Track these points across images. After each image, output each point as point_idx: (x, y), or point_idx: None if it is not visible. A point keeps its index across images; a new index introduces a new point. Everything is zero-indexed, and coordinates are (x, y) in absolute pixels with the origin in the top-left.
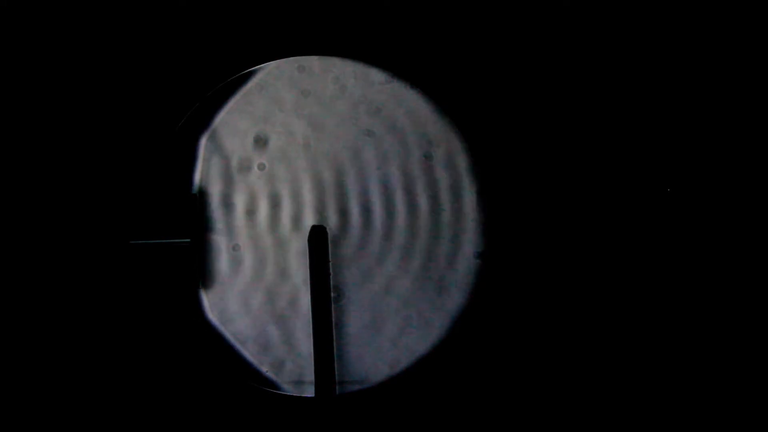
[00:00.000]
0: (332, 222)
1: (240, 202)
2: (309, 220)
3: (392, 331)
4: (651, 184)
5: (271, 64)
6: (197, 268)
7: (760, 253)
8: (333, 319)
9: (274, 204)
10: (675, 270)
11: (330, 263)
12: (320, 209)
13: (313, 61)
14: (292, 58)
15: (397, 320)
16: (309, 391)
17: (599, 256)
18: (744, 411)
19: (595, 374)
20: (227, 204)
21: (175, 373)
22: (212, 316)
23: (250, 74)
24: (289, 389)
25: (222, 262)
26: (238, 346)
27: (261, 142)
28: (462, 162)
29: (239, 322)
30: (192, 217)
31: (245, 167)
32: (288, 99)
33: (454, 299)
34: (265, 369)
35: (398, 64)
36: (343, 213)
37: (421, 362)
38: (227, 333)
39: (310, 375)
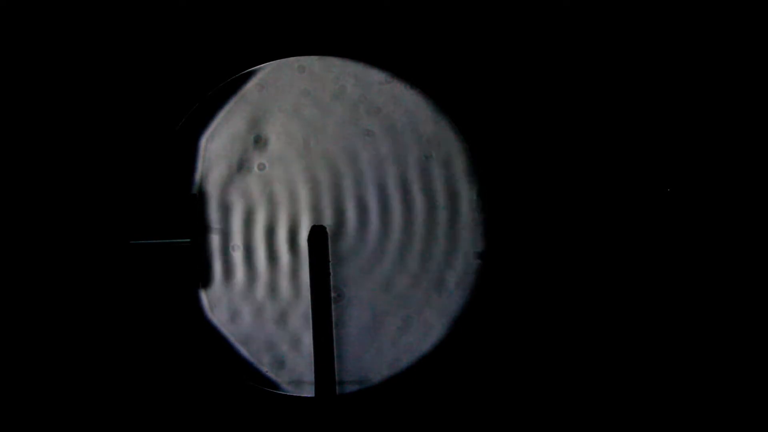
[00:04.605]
0: (332, 222)
1: (240, 202)
2: (309, 220)
3: (392, 331)
4: (651, 184)
5: (271, 64)
6: (197, 268)
7: (760, 253)
8: (333, 319)
9: (274, 203)
10: (675, 270)
11: (330, 263)
12: (320, 209)
13: (313, 61)
14: (292, 58)
15: (397, 320)
16: (309, 391)
17: (599, 256)
18: (744, 411)
19: (594, 374)
20: (227, 204)
21: (175, 373)
22: (212, 316)
23: (250, 74)
24: (289, 389)
25: (222, 262)
26: (238, 346)
27: (261, 142)
28: (462, 162)
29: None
30: (192, 217)
31: (245, 167)
32: (288, 99)
33: (454, 299)
34: (265, 369)
35: (398, 64)
36: (343, 212)
37: (421, 362)
38: (227, 333)
39: (309, 375)
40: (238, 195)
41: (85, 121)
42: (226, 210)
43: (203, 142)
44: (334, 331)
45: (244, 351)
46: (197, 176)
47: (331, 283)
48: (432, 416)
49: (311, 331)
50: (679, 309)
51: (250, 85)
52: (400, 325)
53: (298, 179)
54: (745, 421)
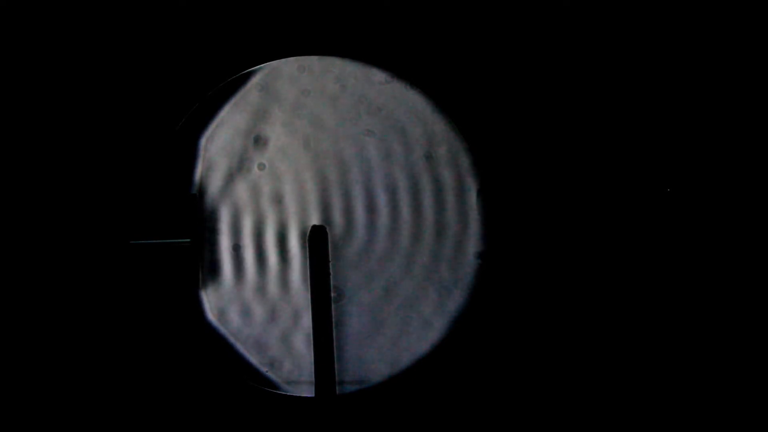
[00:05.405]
0: (332, 222)
1: (240, 202)
2: (309, 220)
3: (392, 331)
4: (651, 184)
5: (271, 64)
6: (197, 268)
7: (760, 253)
8: (333, 319)
9: (274, 203)
10: (675, 270)
11: (330, 263)
12: (321, 209)
13: (313, 61)
14: (292, 58)
15: (397, 320)
16: (309, 391)
17: (599, 256)
18: (744, 411)
19: (594, 374)
20: (227, 204)
21: (175, 373)
22: (212, 316)
23: (250, 74)
24: (289, 389)
25: (223, 261)
26: (238, 346)
27: (261, 142)
28: (462, 162)
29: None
30: (192, 217)
31: (245, 167)
32: (288, 99)
33: (454, 299)
34: (265, 369)
35: (398, 64)
36: (343, 213)
37: (421, 362)
38: (227, 333)
39: (309, 375)
40: (238, 195)
41: (85, 122)
42: (226, 210)
43: (203, 142)
44: (334, 331)
45: (243, 351)
46: (197, 176)
47: (331, 282)
48: (432, 416)
49: (311, 330)
50: (679, 309)
51: (250, 85)
52: (400, 325)
53: (297, 179)
54: (745, 421)
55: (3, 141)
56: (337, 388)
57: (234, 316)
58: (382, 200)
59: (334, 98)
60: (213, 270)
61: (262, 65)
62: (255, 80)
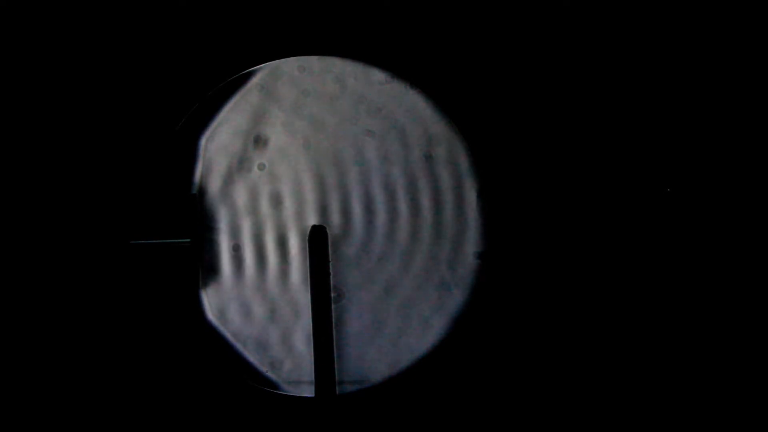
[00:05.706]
0: (332, 222)
1: (240, 201)
2: (308, 220)
3: (392, 331)
4: (651, 184)
5: (271, 64)
6: (197, 268)
7: (760, 253)
8: (333, 319)
9: (275, 204)
10: (675, 270)
11: (330, 263)
12: (321, 209)
13: (313, 61)
14: (292, 58)
15: (397, 320)
16: (309, 391)
17: (599, 256)
18: (744, 411)
19: (594, 374)
20: (227, 204)
21: (175, 373)
22: (212, 316)
23: (250, 74)
24: (289, 389)
25: (222, 261)
26: (238, 346)
27: (261, 142)
28: (462, 162)
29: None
30: (192, 217)
31: (245, 167)
32: (288, 99)
33: (454, 299)
34: (265, 369)
35: (398, 64)
36: (343, 213)
37: (421, 362)
38: (227, 333)
39: (309, 375)
40: (238, 195)
41: (85, 121)
42: (225, 210)
43: (203, 142)
44: (334, 331)
45: (244, 351)
46: (197, 176)
47: (331, 282)
48: (432, 416)
49: (311, 331)
50: (679, 309)
51: (250, 85)
52: (400, 325)
53: (297, 179)
54: (745, 421)
55: (3, 141)
56: (337, 388)
57: (235, 316)
58: (381, 200)
59: (334, 98)
60: (213, 270)
61: (262, 65)
62: (255, 80)
